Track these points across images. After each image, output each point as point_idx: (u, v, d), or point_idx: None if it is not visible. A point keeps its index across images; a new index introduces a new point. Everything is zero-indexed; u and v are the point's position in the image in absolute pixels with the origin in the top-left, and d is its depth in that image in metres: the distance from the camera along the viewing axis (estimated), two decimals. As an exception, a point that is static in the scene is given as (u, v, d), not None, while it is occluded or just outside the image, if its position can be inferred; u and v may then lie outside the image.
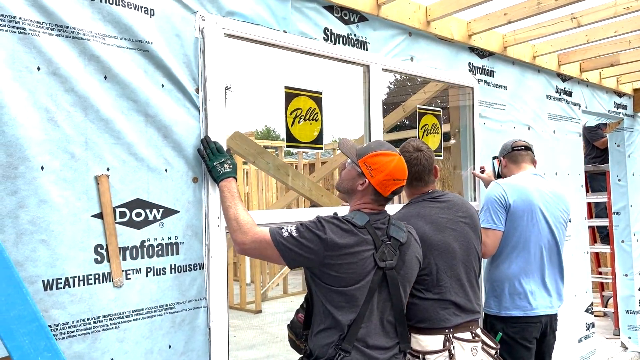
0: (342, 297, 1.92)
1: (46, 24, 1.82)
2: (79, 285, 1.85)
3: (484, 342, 2.39)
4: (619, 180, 5.53)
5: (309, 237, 1.90)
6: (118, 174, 1.97)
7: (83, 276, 1.86)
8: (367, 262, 1.93)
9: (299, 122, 2.60)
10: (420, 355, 2.21)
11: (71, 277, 1.83)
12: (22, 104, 1.75)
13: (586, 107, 4.85)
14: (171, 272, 2.10)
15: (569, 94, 4.63)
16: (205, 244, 2.21)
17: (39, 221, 1.77)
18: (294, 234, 1.91)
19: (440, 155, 3.42)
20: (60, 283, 1.80)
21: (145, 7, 2.07)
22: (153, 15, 2.09)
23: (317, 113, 2.68)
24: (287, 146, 2.60)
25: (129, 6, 2.03)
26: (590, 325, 4.69)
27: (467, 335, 2.29)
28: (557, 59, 4.39)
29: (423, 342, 2.23)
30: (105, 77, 1.95)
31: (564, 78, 4.56)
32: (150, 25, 2.08)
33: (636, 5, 3.22)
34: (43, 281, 1.76)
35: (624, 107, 5.43)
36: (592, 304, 4.77)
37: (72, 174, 1.86)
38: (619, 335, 5.63)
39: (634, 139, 5.55)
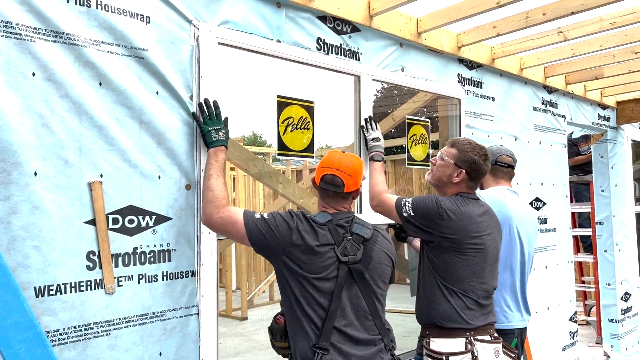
0: (308, 287, 1.96)
1: (42, 29, 1.82)
2: (70, 292, 1.84)
3: (503, 345, 2.41)
4: (602, 191, 5.63)
5: (279, 222, 1.99)
6: (111, 180, 1.97)
7: (75, 283, 1.85)
8: (326, 256, 1.99)
9: (290, 130, 2.62)
10: (444, 357, 2.23)
11: (63, 284, 1.82)
12: (17, 109, 1.75)
13: (571, 119, 4.93)
14: (163, 279, 2.10)
15: (555, 105, 4.71)
16: (197, 251, 2.22)
17: (32, 227, 1.76)
18: (265, 216, 2.01)
19: (428, 165, 3.45)
20: (52, 290, 1.80)
21: (140, 15, 2.08)
22: (149, 22, 2.10)
23: (308, 122, 2.71)
24: (279, 154, 2.62)
25: (125, 13, 2.04)
26: (574, 334, 4.75)
27: (486, 337, 2.31)
28: (544, 71, 4.47)
29: (445, 344, 2.25)
30: (100, 84, 1.96)
31: (550, 90, 4.64)
32: (146, 33, 2.09)
33: (620, 21, 3.30)
34: (35, 288, 1.75)
35: (608, 119, 5.54)
36: (575, 313, 4.83)
37: (66, 180, 1.86)
38: (601, 343, 5.70)
39: (617, 151, 5.66)
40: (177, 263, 2.15)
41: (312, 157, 2.73)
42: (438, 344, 2.26)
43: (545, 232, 4.42)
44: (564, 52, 4.01)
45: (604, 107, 5.47)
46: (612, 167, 5.58)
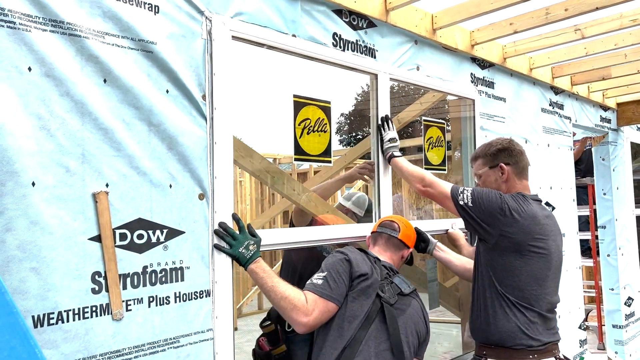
0: (341, 309, 2.02)
1: (39, 18, 1.58)
2: (73, 319, 1.59)
3: None
4: (604, 194, 5.52)
5: (338, 265, 2.07)
6: (118, 190, 1.73)
7: (78, 309, 1.61)
8: (373, 282, 2.07)
9: (307, 133, 2.41)
10: None
11: (65, 311, 1.58)
12: (11, 109, 1.50)
13: (576, 121, 4.81)
14: (176, 301, 1.87)
15: (561, 107, 4.57)
16: (211, 268, 1.98)
17: (29, 246, 1.51)
18: (324, 272, 2.06)
19: (445, 170, 3.27)
20: (53, 318, 1.55)
21: (149, 4, 1.85)
22: (157, 12, 1.87)
23: (325, 124, 2.50)
24: (295, 159, 2.41)
25: (131, 2, 1.80)
26: (583, 342, 4.62)
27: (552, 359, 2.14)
28: (551, 71, 4.33)
29: None
30: (105, 81, 1.72)
31: (557, 91, 4.51)
32: (155, 24, 1.86)
33: (643, 18, 3.16)
34: (33, 317, 1.50)
35: (609, 121, 5.44)
36: (584, 320, 4.70)
37: (67, 190, 1.61)
38: (603, 349, 5.60)
39: (618, 153, 5.56)
40: (191, 282, 1.91)
41: (330, 162, 2.52)
42: None
43: (555, 238, 4.28)
44: (576, 52, 3.87)
45: (605, 108, 5.37)
46: (613, 170, 5.48)
